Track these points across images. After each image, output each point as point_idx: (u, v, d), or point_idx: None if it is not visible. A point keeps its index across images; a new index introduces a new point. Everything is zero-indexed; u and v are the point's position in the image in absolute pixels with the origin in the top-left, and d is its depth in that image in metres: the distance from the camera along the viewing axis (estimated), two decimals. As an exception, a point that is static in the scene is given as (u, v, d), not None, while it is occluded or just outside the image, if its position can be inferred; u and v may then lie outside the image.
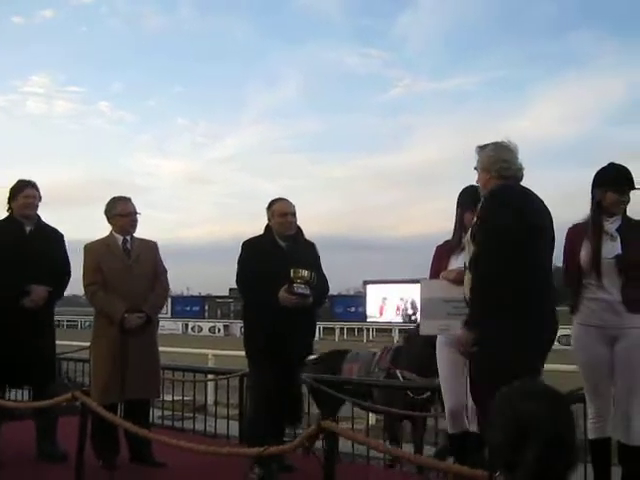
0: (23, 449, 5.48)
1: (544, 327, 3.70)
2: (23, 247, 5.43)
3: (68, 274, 5.75)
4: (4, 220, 5.60)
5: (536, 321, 3.60)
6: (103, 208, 5.53)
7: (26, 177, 5.67)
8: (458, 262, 4.43)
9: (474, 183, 4.21)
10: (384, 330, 41.42)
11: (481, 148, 3.92)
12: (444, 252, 4.62)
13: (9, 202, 5.58)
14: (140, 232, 5.59)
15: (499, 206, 3.66)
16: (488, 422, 1.51)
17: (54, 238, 5.74)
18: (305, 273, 4.91)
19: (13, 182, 5.64)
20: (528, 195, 3.77)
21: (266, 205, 5.26)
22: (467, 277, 3.82)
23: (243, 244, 5.22)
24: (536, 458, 1.40)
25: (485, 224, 3.67)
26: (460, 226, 4.52)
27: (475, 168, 3.96)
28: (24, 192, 5.53)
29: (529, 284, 3.57)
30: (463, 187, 4.56)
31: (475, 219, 3.82)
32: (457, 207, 4.58)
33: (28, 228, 5.54)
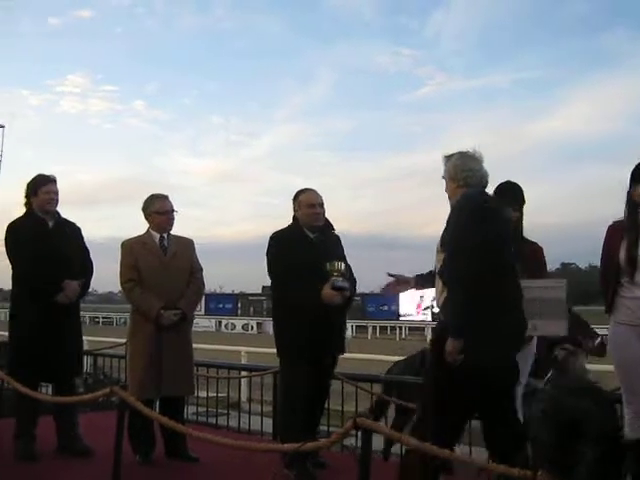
0: (52, 443, 5.56)
1: (520, 326, 3.80)
2: (48, 243, 5.44)
3: (92, 267, 5.78)
4: (25, 216, 5.58)
5: (512, 321, 3.72)
6: (141, 205, 5.57)
7: (49, 174, 5.63)
8: None
9: (510, 180, 4.23)
10: (417, 329, 41.39)
11: (447, 158, 4.03)
12: None
13: (28, 197, 5.56)
14: (174, 230, 5.62)
15: (468, 213, 3.75)
16: (530, 420, 1.50)
17: (74, 233, 5.76)
18: (342, 266, 4.83)
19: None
20: (494, 202, 3.93)
21: (292, 196, 5.15)
22: (438, 284, 3.90)
23: (272, 237, 5.09)
24: (597, 458, 1.37)
25: (455, 231, 3.76)
26: None
27: (443, 177, 4.06)
28: (46, 187, 5.51)
29: (501, 287, 3.67)
30: (498, 184, 4.51)
31: (445, 226, 3.89)
32: None
33: (50, 223, 5.56)
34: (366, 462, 2.52)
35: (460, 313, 3.63)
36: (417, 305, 43.69)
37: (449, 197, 4.01)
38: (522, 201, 4.46)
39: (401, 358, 6.59)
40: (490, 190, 4.11)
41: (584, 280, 53.82)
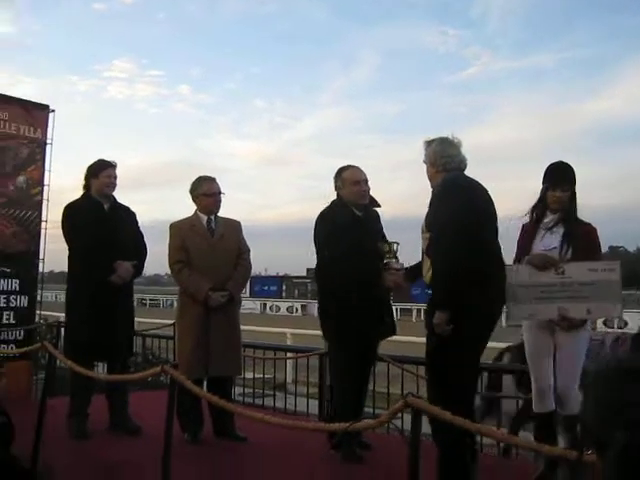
0: (103, 421, 5.68)
1: (500, 302, 4.11)
2: (105, 225, 5.55)
3: (145, 250, 5.89)
4: (83, 199, 5.70)
5: (494, 296, 3.99)
6: (187, 188, 5.62)
7: (110, 159, 5.76)
8: (544, 243, 4.35)
9: (562, 160, 4.17)
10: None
11: (428, 144, 4.26)
12: (529, 231, 4.50)
13: (87, 180, 5.68)
14: (220, 212, 5.66)
15: (451, 194, 3.96)
16: (583, 401, 1.48)
17: (129, 216, 5.88)
18: (395, 246, 4.73)
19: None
20: (475, 184, 4.08)
21: (335, 173, 5.03)
22: (426, 262, 4.13)
23: (320, 217, 5.01)
24: (627, 445, 1.35)
25: (439, 212, 3.98)
26: (543, 204, 4.42)
27: (424, 162, 4.28)
28: (107, 171, 5.65)
29: (484, 264, 3.87)
30: (550, 164, 4.43)
31: (428, 207, 4.12)
32: (542, 184, 4.46)
33: (106, 207, 5.67)
34: (416, 443, 2.52)
35: (445, 288, 3.88)
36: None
37: (430, 181, 4.24)
38: (573, 181, 4.36)
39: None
40: (540, 170, 4.13)
41: (633, 263, 52.87)
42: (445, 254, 3.86)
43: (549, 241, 4.33)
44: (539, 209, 4.43)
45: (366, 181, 5.00)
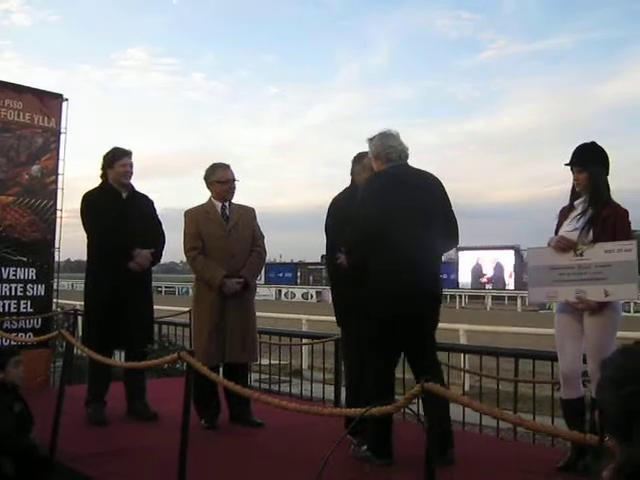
0: (121, 408, 5.72)
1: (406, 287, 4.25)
2: (123, 213, 5.57)
3: (164, 238, 5.90)
4: (101, 188, 5.71)
5: (393, 278, 4.26)
6: (202, 175, 5.61)
7: (126, 148, 5.78)
8: (569, 225, 4.32)
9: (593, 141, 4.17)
10: (476, 297, 41.19)
11: (370, 140, 4.58)
12: (565, 214, 4.46)
13: (104, 169, 5.69)
14: (235, 200, 5.65)
15: (362, 188, 4.48)
16: (598, 385, 1.46)
17: (147, 204, 5.90)
18: None
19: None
20: (398, 177, 4.40)
21: (353, 158, 4.97)
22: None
23: (332, 202, 4.96)
24: None
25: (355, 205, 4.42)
26: (573, 187, 4.38)
27: (369, 157, 4.64)
28: (122, 161, 5.65)
29: (386, 249, 4.26)
30: (577, 145, 4.38)
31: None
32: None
33: (124, 195, 5.69)
34: (434, 428, 2.51)
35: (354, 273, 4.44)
36: (478, 276, 43.71)
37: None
38: (588, 161, 4.28)
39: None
40: (557, 153, 4.09)
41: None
42: (349, 245, 4.53)
43: (573, 223, 4.30)
44: (573, 192, 4.40)
45: None
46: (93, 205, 5.59)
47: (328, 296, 38.17)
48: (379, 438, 4.37)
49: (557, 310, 4.50)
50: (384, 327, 4.30)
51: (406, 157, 4.53)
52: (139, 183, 5.82)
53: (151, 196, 5.95)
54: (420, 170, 4.55)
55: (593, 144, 4.31)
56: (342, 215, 4.72)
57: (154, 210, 5.95)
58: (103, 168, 5.69)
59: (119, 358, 6.51)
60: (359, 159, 4.93)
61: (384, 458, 4.31)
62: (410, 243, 4.23)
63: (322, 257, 50.41)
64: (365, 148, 4.70)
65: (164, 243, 5.88)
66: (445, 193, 4.53)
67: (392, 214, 4.29)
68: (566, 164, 4.33)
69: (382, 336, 4.31)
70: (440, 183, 4.55)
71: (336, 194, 5.03)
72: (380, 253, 4.30)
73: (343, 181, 5.07)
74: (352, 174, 4.99)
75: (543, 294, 4.46)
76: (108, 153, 5.70)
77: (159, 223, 5.93)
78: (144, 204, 5.86)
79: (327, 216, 4.98)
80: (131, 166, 5.70)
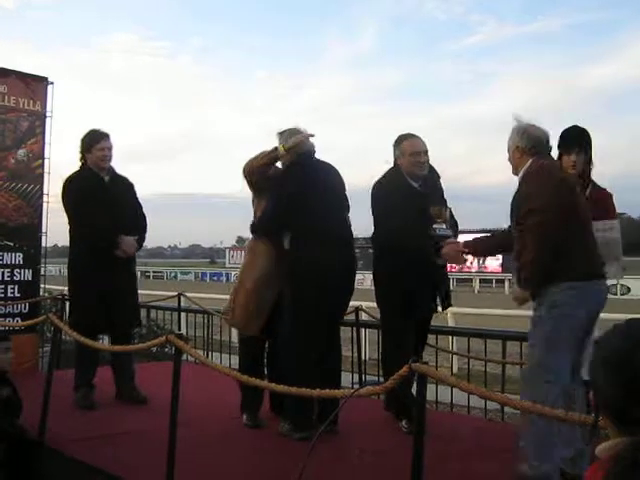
0: (109, 392, 5.73)
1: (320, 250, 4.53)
2: (105, 197, 5.51)
3: (145, 222, 5.86)
4: (81, 172, 5.62)
5: (311, 260, 4.52)
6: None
7: (102, 130, 5.65)
8: None
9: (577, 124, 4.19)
10: (464, 280, 41.46)
11: (280, 134, 4.85)
12: None
13: (82, 153, 5.58)
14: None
15: (282, 176, 4.82)
16: (592, 365, 1.46)
17: (128, 187, 5.85)
18: (447, 212, 4.65)
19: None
20: (309, 167, 4.75)
21: (394, 141, 4.86)
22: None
23: (376, 186, 4.84)
24: None
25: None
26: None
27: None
28: (100, 144, 5.53)
29: (305, 230, 4.60)
30: (564, 129, 4.37)
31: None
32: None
33: (106, 178, 5.62)
34: (421, 408, 2.53)
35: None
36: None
37: (282, 165, 4.89)
38: (583, 145, 4.29)
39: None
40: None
41: (638, 229, 52.86)
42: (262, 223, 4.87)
43: None
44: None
45: (426, 152, 4.79)
46: (75, 189, 5.51)
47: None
48: (299, 411, 4.49)
49: None
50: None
51: (315, 151, 4.88)
52: (124, 167, 5.78)
53: (137, 180, 5.91)
54: (325, 161, 4.92)
55: (582, 128, 4.32)
56: (389, 200, 4.69)
57: (134, 193, 5.89)
58: (82, 152, 5.58)
59: (106, 342, 6.50)
60: (398, 143, 4.83)
61: (304, 431, 4.40)
62: (333, 218, 4.69)
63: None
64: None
65: (146, 226, 5.85)
66: (344, 184, 4.97)
67: (315, 195, 4.62)
68: (566, 149, 4.29)
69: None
70: (340, 174, 4.96)
71: (378, 178, 4.90)
72: (305, 227, 4.61)
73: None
74: (394, 157, 4.86)
75: None
76: (85, 137, 5.58)
77: (140, 206, 5.88)
78: (126, 187, 5.81)
79: (373, 200, 4.84)
80: (110, 149, 5.59)
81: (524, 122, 3.91)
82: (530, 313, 3.79)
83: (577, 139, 4.29)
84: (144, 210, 5.89)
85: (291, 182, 4.70)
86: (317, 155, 4.92)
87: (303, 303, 4.56)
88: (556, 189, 3.59)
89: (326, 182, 4.80)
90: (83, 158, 5.60)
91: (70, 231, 5.62)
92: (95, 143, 5.53)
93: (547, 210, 3.50)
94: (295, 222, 4.64)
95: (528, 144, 3.81)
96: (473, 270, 43.10)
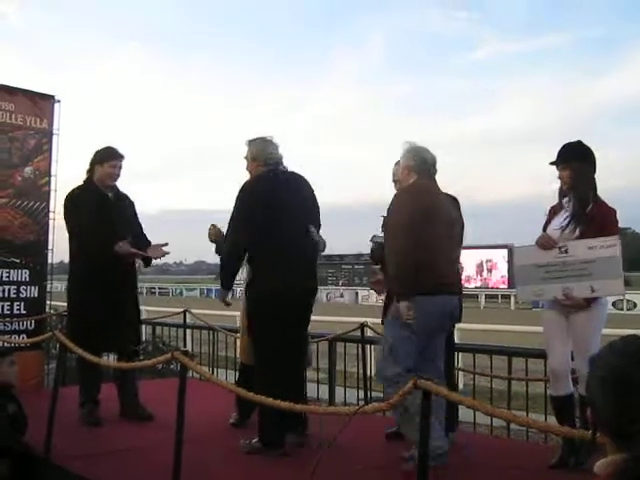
0: (115, 409, 5.72)
1: (280, 280, 4.56)
2: (108, 214, 5.53)
3: (148, 241, 5.84)
4: (85, 186, 5.64)
5: (273, 276, 4.57)
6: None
7: (119, 150, 5.71)
8: (555, 223, 4.35)
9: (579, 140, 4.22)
10: (470, 296, 41.32)
11: (250, 142, 4.90)
12: (556, 211, 4.48)
13: (92, 165, 5.62)
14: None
15: (243, 190, 4.71)
16: (587, 383, 1.46)
17: (130, 204, 5.88)
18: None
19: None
20: (273, 180, 4.73)
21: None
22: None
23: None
24: None
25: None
26: (560, 186, 4.41)
27: (245, 157, 4.93)
28: (113, 162, 5.60)
29: (265, 248, 4.60)
30: (564, 143, 4.40)
31: None
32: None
33: (110, 195, 5.65)
34: (425, 424, 2.53)
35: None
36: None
37: (249, 174, 4.90)
38: (569, 159, 4.31)
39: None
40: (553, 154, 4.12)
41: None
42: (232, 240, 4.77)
43: (559, 221, 4.33)
44: (560, 191, 4.43)
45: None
46: (77, 203, 5.54)
47: (322, 296, 38.21)
48: (271, 429, 4.50)
49: (544, 307, 4.53)
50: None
51: (282, 162, 4.89)
52: (133, 185, 5.82)
53: (146, 198, 5.96)
54: (295, 172, 4.93)
55: (579, 142, 4.34)
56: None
57: (135, 212, 5.92)
58: (92, 164, 5.62)
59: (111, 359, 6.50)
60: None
61: (277, 449, 4.50)
62: (298, 240, 4.65)
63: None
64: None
65: (150, 244, 5.82)
66: (315, 195, 4.97)
67: (279, 212, 4.61)
68: (551, 163, 4.36)
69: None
70: (311, 186, 4.96)
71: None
72: (267, 251, 4.62)
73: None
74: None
75: (530, 292, 4.49)
76: (102, 150, 5.64)
77: (140, 226, 5.90)
78: (128, 205, 5.85)
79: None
80: (120, 169, 5.66)
81: (415, 144, 4.39)
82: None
83: (562, 155, 4.32)
84: (146, 228, 5.92)
85: (252, 201, 4.66)
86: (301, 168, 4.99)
87: (264, 337, 4.66)
88: (410, 212, 4.11)
89: (294, 196, 4.75)
90: (91, 171, 5.63)
91: (70, 246, 5.64)
92: (109, 159, 5.59)
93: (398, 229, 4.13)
94: (258, 244, 4.63)
95: (416, 164, 4.33)
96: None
